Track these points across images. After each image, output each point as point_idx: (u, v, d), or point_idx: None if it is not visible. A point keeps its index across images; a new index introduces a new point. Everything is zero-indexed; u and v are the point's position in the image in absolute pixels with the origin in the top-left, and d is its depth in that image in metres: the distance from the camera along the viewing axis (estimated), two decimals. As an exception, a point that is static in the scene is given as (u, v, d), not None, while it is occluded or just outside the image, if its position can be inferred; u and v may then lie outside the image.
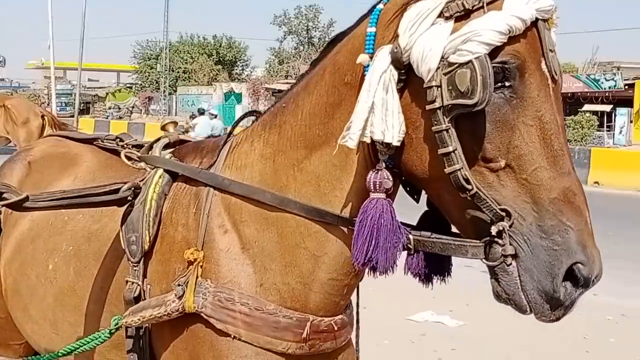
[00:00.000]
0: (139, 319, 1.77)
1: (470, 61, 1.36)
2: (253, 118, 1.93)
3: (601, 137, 31.58)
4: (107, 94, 53.03)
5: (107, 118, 36.33)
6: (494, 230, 1.40)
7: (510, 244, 1.40)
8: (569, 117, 31.71)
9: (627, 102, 33.02)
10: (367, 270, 1.60)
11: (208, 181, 1.81)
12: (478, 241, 1.45)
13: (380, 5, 1.57)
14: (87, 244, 2.06)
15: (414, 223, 1.67)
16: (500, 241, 1.41)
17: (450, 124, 1.40)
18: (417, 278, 1.67)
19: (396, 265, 1.54)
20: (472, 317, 5.93)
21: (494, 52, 1.37)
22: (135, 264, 1.84)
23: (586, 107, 32.85)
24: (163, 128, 2.18)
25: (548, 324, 1.47)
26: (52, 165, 2.43)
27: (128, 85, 59.37)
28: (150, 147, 2.09)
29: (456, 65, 1.37)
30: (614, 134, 32.75)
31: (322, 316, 1.73)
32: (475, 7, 1.40)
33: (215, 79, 49.84)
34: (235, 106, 42.13)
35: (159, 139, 2.12)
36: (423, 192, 1.65)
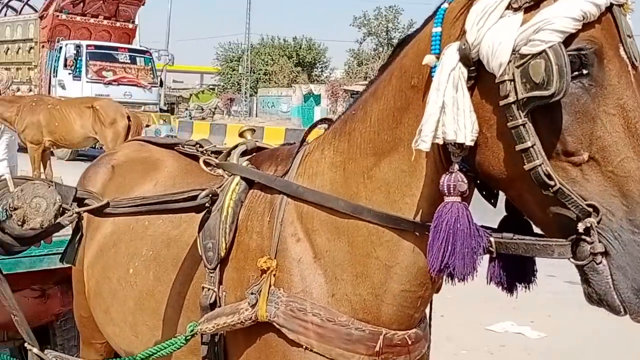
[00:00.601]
0: (213, 326, 1.78)
1: (544, 50, 1.29)
2: (325, 125, 1.92)
3: None
4: (190, 95, 54.42)
5: (190, 119, 37.15)
6: (581, 227, 1.32)
7: (600, 242, 1.32)
8: None
9: None
10: (445, 278, 1.55)
11: (283, 189, 1.81)
12: (564, 240, 1.38)
13: (445, 5, 1.53)
14: (166, 249, 2.09)
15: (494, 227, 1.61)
16: (588, 239, 1.33)
17: (526, 119, 1.33)
18: (500, 287, 1.61)
19: (476, 272, 1.48)
20: (554, 328, 5.73)
21: (568, 40, 1.31)
22: (212, 271, 1.85)
23: None
24: (241, 135, 2.20)
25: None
26: (135, 170, 2.49)
27: (211, 86, 60.77)
28: (229, 154, 2.11)
29: (529, 57, 1.31)
30: None
31: (395, 329, 1.70)
32: None
33: (295, 80, 50.34)
34: (314, 108, 42.45)
35: (236, 146, 2.13)
36: (500, 195, 1.59)
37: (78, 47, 20.92)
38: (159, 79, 23.45)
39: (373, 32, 51.79)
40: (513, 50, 1.33)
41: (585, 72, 1.33)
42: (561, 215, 1.37)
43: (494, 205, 1.63)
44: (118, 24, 23.34)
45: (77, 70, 20.90)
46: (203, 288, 1.86)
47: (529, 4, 1.35)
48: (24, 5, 24.86)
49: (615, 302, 1.34)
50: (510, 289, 1.61)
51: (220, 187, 1.94)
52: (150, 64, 22.66)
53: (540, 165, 1.33)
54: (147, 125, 18.01)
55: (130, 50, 22.57)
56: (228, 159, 2.08)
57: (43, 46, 22.26)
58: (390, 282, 1.65)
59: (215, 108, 50.08)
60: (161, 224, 2.15)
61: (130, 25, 23.90)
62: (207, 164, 2.16)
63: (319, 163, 1.78)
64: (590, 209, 1.32)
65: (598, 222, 1.32)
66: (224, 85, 57.24)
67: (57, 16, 21.85)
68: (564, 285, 7.00)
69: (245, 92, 51.79)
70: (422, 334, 1.81)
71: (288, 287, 1.71)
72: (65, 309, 3.40)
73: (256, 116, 48.34)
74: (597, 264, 1.33)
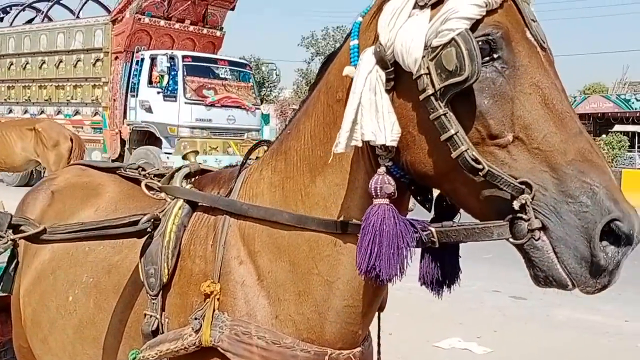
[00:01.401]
0: (156, 353, 1.76)
1: (453, 39, 1.35)
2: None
3: (632, 158, 31.17)
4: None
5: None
6: (516, 205, 1.34)
7: (536, 217, 1.34)
8: (599, 138, 31.40)
9: (659, 122, 32.54)
10: (373, 279, 1.52)
11: (227, 207, 1.80)
12: (502, 221, 1.39)
13: (359, 19, 1.60)
14: (107, 276, 2.05)
15: None
16: (524, 216, 1.34)
17: (447, 108, 1.37)
18: (429, 287, 1.64)
19: (402, 273, 1.49)
20: (500, 343, 5.81)
21: (475, 26, 1.37)
22: (154, 297, 1.83)
23: (617, 127, 32.53)
24: (185, 157, 2.18)
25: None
26: (75, 195, 2.44)
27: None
28: (171, 176, 2.09)
29: (440, 47, 1.36)
30: (645, 154, 32.28)
31: (339, 348, 1.70)
32: None
33: (243, 100, 50.22)
34: (263, 127, 42.37)
35: (180, 169, 2.11)
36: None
37: (172, 58, 16.03)
38: (259, 99, 19.58)
39: (321, 52, 52.16)
40: (425, 45, 1.39)
41: (496, 55, 1.38)
42: (496, 198, 1.39)
43: (429, 209, 1.66)
44: (205, 31, 18.64)
45: (171, 88, 16.09)
46: (145, 315, 1.83)
47: (434, 1, 1.41)
48: (83, 6, 19.93)
49: (561, 275, 1.35)
50: (437, 290, 1.64)
51: (162, 211, 1.92)
52: (251, 80, 18.33)
53: (466, 150, 1.36)
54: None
55: (230, 63, 17.95)
56: (171, 182, 2.06)
57: (116, 57, 17.27)
58: (333, 298, 1.66)
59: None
60: (102, 250, 2.11)
61: (218, 33, 19.18)
62: (149, 187, 2.13)
63: (259, 184, 1.79)
64: (523, 186, 1.35)
65: (532, 198, 1.34)
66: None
67: (139, 19, 16.82)
68: (508, 300, 7.14)
69: (193, 112, 51.31)
70: (367, 352, 1.81)
71: (232, 310, 1.70)
72: (5, 339, 3.30)
73: (204, 136, 47.91)
74: (536, 240, 1.35)
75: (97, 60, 17.71)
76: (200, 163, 2.17)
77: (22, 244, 2.41)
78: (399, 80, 1.46)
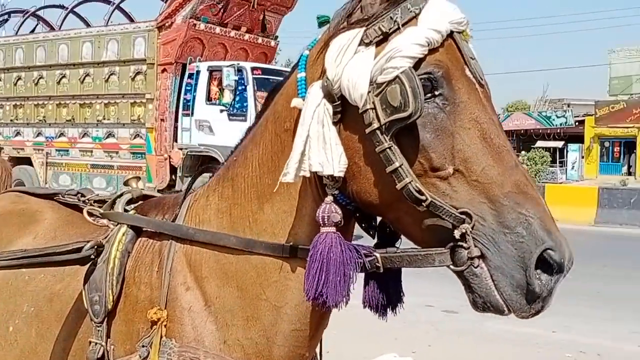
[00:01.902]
0: None
1: (397, 76, 1.43)
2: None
3: (554, 173, 32.35)
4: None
5: None
6: (457, 233, 1.42)
7: (476, 246, 1.42)
8: (521, 154, 32.46)
9: (578, 138, 33.96)
10: (320, 305, 1.58)
11: (172, 232, 1.82)
12: (443, 248, 1.46)
13: (306, 52, 1.67)
14: (49, 305, 2.02)
15: None
16: (464, 244, 1.43)
17: (392, 142, 1.45)
18: (373, 310, 1.70)
19: (347, 299, 1.55)
20: (435, 358, 5.94)
21: (418, 64, 1.45)
22: (99, 324, 1.82)
23: (539, 143, 33.77)
24: (126, 183, 2.18)
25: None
26: (12, 223, 2.38)
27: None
28: (113, 202, 2.08)
29: (385, 84, 1.44)
30: (566, 169, 33.58)
31: None
32: (392, 30, 1.49)
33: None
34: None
35: (121, 195, 2.11)
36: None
37: (240, 71, 13.17)
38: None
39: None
40: (370, 81, 1.47)
41: (437, 92, 1.47)
42: (438, 227, 1.47)
43: (373, 236, 1.73)
44: (259, 40, 15.60)
45: (238, 105, 13.18)
46: (90, 342, 1.82)
47: (379, 38, 1.50)
48: (113, 11, 16.43)
49: (498, 301, 1.43)
50: (381, 312, 1.70)
51: (105, 238, 1.91)
52: None
53: (410, 182, 1.44)
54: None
55: None
56: (113, 208, 2.06)
57: (164, 70, 14.05)
58: (281, 322, 1.69)
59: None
60: (43, 279, 2.07)
61: (272, 43, 16.18)
62: (90, 214, 2.12)
63: (205, 210, 1.81)
64: (464, 216, 1.43)
65: (472, 228, 1.43)
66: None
67: (194, 25, 13.75)
68: (441, 314, 7.30)
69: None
70: None
71: (180, 337, 1.71)
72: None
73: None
74: (475, 267, 1.43)
75: (138, 73, 14.40)
76: (142, 189, 2.17)
77: None
78: (345, 113, 1.53)
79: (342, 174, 1.52)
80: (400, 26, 1.48)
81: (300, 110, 1.56)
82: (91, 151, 15.35)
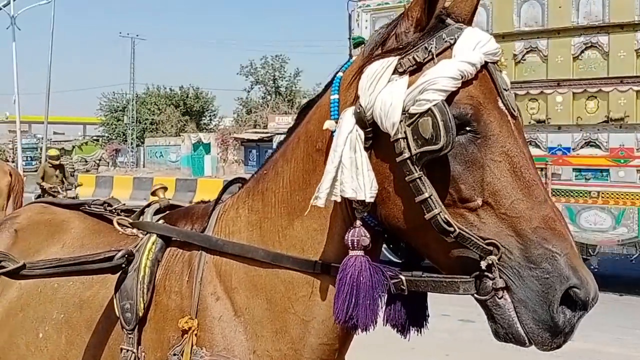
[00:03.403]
0: None
1: (429, 109, 1.43)
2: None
3: None
4: (73, 147, 52.62)
5: (73, 172, 35.94)
6: (483, 264, 1.43)
7: (501, 277, 1.43)
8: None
9: None
10: (350, 328, 1.61)
11: (202, 243, 1.84)
12: (468, 277, 1.47)
13: (340, 74, 1.69)
14: (78, 312, 2.05)
15: None
16: (490, 275, 1.43)
17: (422, 172, 1.45)
18: (395, 329, 1.70)
19: (376, 322, 1.56)
20: (452, 366, 5.93)
21: (451, 97, 1.45)
22: (130, 332, 1.84)
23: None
24: (153, 193, 2.21)
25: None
26: (40, 233, 2.42)
27: (95, 137, 59.08)
28: (142, 212, 2.12)
29: (417, 115, 1.45)
30: None
31: None
32: (426, 60, 1.49)
33: (183, 129, 49.90)
34: (204, 156, 42.10)
35: (149, 204, 2.14)
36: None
37: None
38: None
39: (260, 80, 52.35)
40: (403, 111, 1.47)
41: (469, 125, 1.47)
42: (464, 257, 1.48)
43: (400, 257, 1.73)
44: None
45: None
46: (122, 349, 1.84)
47: (413, 68, 1.50)
48: None
49: (520, 334, 1.44)
50: (404, 331, 1.71)
51: (136, 246, 1.94)
52: None
53: (439, 213, 1.44)
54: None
55: None
56: (141, 217, 2.09)
57: None
58: (309, 336, 1.71)
59: (100, 160, 48.70)
60: (72, 286, 2.10)
61: None
62: (119, 224, 2.15)
63: (235, 222, 1.83)
64: (491, 247, 1.43)
65: (499, 259, 1.43)
66: (108, 136, 55.80)
67: None
68: (457, 323, 7.27)
69: (132, 143, 50.66)
70: None
71: (210, 345, 1.73)
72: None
73: (144, 167, 47.37)
74: (499, 298, 1.44)
75: None
76: (169, 199, 2.20)
77: None
78: (376, 139, 1.54)
79: (372, 200, 1.53)
80: (435, 56, 1.49)
81: (332, 133, 1.59)
82: None
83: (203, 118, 56.51)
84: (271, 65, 52.12)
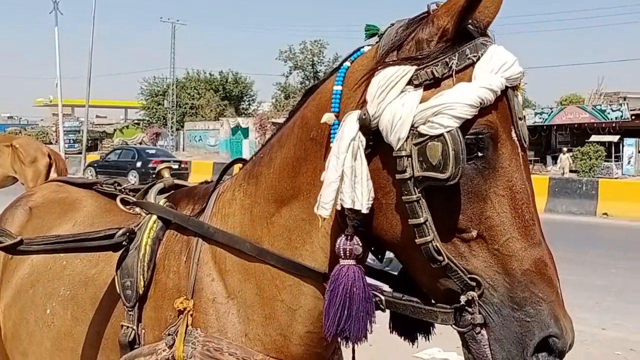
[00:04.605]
0: None
1: (442, 134, 1.34)
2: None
3: (609, 168, 31.52)
4: (114, 130, 53.55)
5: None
6: (462, 299, 1.39)
7: (480, 313, 1.39)
8: (575, 148, 31.71)
9: (635, 133, 32.97)
10: (341, 340, 1.58)
11: (195, 229, 1.84)
12: (448, 307, 1.43)
13: (347, 63, 1.59)
14: (84, 289, 2.08)
15: None
16: (470, 309, 1.39)
17: (421, 195, 1.38)
18: (403, 337, 1.69)
19: (368, 334, 1.51)
20: (478, 353, 5.87)
21: (466, 123, 1.36)
22: (130, 309, 1.86)
23: (593, 137, 32.83)
24: (158, 173, 2.22)
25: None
26: (53, 211, 2.46)
27: (136, 121, 59.95)
28: (146, 192, 2.13)
29: (427, 137, 1.36)
30: (622, 164, 32.68)
31: None
32: (445, 76, 1.39)
33: (222, 114, 50.30)
34: (242, 141, 42.43)
35: (154, 184, 2.15)
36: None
37: None
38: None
39: (299, 65, 52.37)
40: (412, 127, 1.38)
41: (480, 154, 1.39)
42: (447, 287, 1.43)
43: (381, 260, 1.70)
44: None
45: None
46: (122, 326, 1.86)
47: (430, 82, 1.39)
48: None
49: None
50: (411, 338, 1.69)
51: (137, 225, 1.96)
52: None
53: (431, 241, 1.38)
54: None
55: None
56: (145, 197, 2.10)
57: None
58: (296, 324, 1.69)
59: (141, 143, 49.40)
60: (79, 264, 2.14)
61: None
62: (124, 202, 2.17)
63: (231, 204, 1.82)
64: (473, 283, 1.39)
65: (480, 296, 1.38)
66: (149, 120, 56.53)
67: None
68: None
69: (172, 127, 51.25)
70: None
71: (205, 326, 1.73)
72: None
73: (183, 150, 47.93)
74: (477, 333, 1.40)
75: None
76: (174, 178, 2.21)
77: (2, 261, 2.43)
78: (377, 148, 1.46)
79: (368, 211, 1.46)
80: (454, 73, 1.38)
81: (330, 126, 1.53)
82: None
83: (242, 103, 56.88)
84: (310, 51, 52.09)
